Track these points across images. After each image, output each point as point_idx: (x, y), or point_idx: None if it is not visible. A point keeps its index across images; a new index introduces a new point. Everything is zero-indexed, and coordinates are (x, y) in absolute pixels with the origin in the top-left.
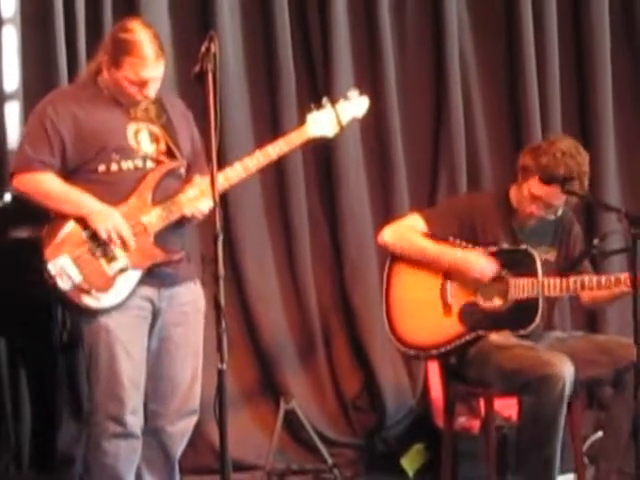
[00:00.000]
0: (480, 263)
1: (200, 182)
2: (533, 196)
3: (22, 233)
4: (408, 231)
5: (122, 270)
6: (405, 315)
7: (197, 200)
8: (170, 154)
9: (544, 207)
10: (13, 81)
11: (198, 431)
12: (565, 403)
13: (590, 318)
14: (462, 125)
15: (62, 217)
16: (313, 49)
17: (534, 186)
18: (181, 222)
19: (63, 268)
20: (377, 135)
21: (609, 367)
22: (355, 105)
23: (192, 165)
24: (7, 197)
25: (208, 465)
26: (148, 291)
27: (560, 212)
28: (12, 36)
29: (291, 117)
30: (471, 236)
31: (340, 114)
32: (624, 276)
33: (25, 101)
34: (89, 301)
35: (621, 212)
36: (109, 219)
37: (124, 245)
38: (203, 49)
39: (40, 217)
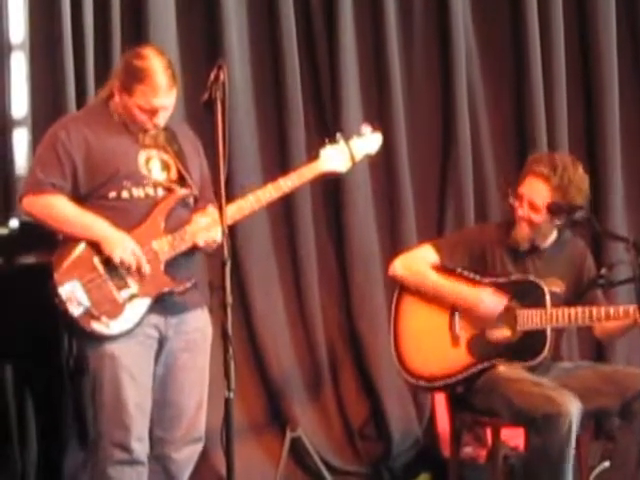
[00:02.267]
0: (490, 301)
1: (213, 212)
2: (518, 196)
3: (29, 259)
4: (419, 264)
5: (132, 297)
6: (413, 346)
7: (210, 229)
8: (180, 182)
9: (530, 209)
10: (22, 108)
11: (204, 459)
12: (573, 441)
13: (597, 348)
14: (470, 156)
15: (73, 240)
16: (322, 80)
17: (521, 185)
18: (191, 251)
19: (73, 293)
20: (385, 165)
21: (616, 397)
22: (368, 141)
23: (199, 196)
24: (14, 223)
25: None
26: (155, 318)
27: (552, 236)
28: (21, 63)
29: (299, 146)
30: (480, 267)
31: (353, 150)
32: (633, 308)
33: (34, 128)
34: (98, 327)
35: (629, 242)
36: (124, 244)
37: (138, 271)
38: (212, 77)
39: (47, 243)
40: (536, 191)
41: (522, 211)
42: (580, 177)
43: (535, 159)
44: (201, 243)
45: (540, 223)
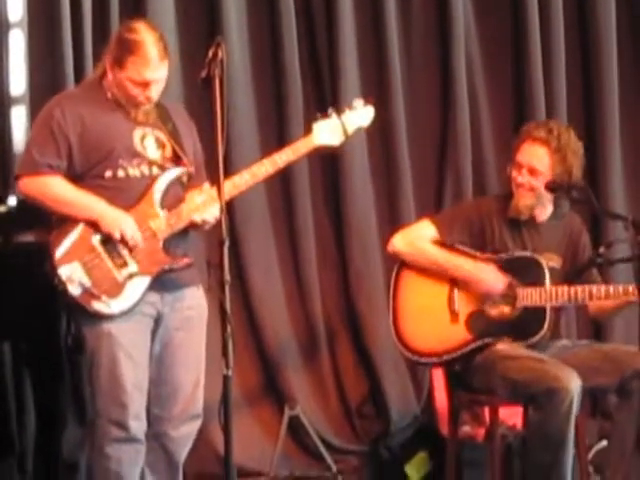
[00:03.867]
0: (491, 278)
1: (209, 189)
2: (516, 164)
3: (27, 237)
4: (419, 239)
5: (132, 276)
6: (412, 322)
7: (207, 206)
8: (175, 160)
9: (529, 175)
10: (20, 85)
11: (202, 437)
12: (573, 418)
13: (596, 327)
14: (468, 131)
15: (70, 221)
16: (320, 56)
17: (517, 153)
18: (186, 229)
19: (73, 273)
20: (383, 141)
21: (614, 375)
22: (360, 115)
23: (192, 174)
24: (12, 201)
25: (212, 471)
26: (151, 296)
27: (549, 210)
28: (19, 40)
29: (297, 124)
30: (480, 242)
31: (346, 124)
32: (632, 287)
33: (32, 105)
34: (99, 306)
35: (627, 220)
36: (122, 222)
37: (135, 250)
38: (210, 54)
39: (45, 221)
40: (535, 156)
41: (522, 179)
42: (575, 141)
43: (530, 126)
44: (198, 220)
45: (540, 188)
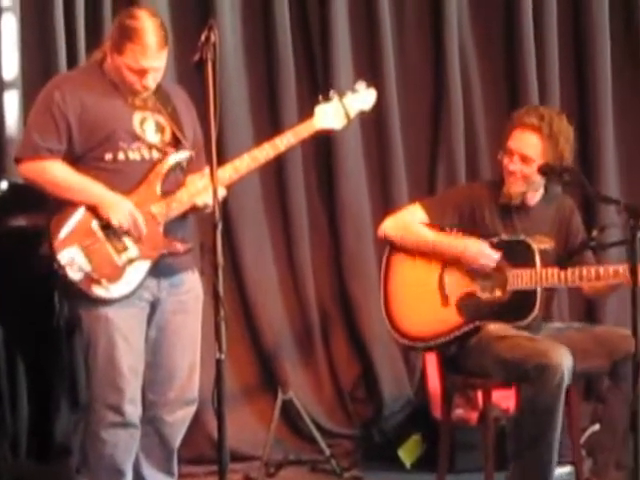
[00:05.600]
0: (483, 252)
1: (192, 181)
2: (507, 150)
3: (19, 221)
4: (409, 222)
5: (131, 260)
6: (403, 306)
7: (209, 190)
8: (175, 144)
9: (521, 162)
10: (12, 69)
11: (196, 421)
12: (563, 393)
13: (589, 309)
14: (461, 116)
15: (71, 206)
16: (313, 40)
17: (509, 140)
18: (187, 213)
19: (73, 258)
20: (376, 126)
21: (606, 358)
22: (362, 98)
23: (193, 158)
24: (3, 184)
25: (205, 455)
26: (149, 281)
27: (540, 192)
28: (11, 24)
29: (290, 108)
30: (470, 226)
31: (347, 106)
32: (622, 268)
33: (24, 89)
34: (99, 291)
35: (620, 204)
36: (122, 208)
37: (137, 234)
38: (203, 38)
39: (37, 205)
40: (527, 143)
41: (513, 166)
42: (566, 127)
43: (520, 113)
44: (200, 204)
45: (532, 176)
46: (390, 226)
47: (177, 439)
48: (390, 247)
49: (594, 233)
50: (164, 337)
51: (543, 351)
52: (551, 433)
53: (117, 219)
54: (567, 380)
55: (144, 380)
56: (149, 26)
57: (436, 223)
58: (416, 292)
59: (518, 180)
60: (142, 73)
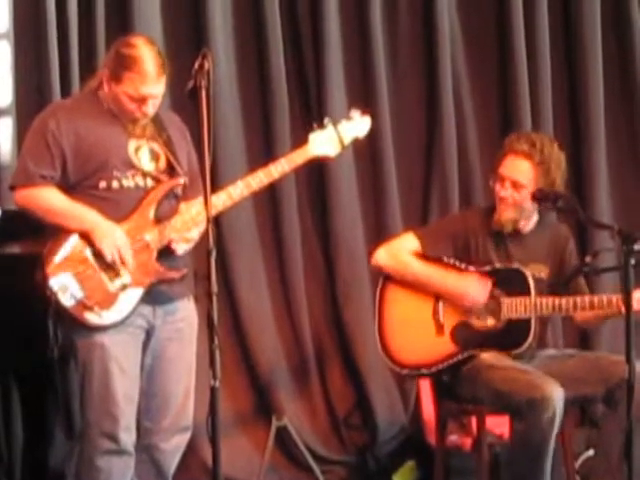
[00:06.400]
0: (474, 290)
1: (187, 209)
2: (499, 177)
3: (13, 248)
4: (402, 253)
5: (124, 287)
6: (397, 334)
7: (184, 229)
8: (169, 172)
9: (513, 188)
10: (6, 96)
11: (190, 448)
12: (555, 430)
13: (582, 336)
14: (455, 144)
15: (64, 232)
16: (306, 68)
17: (500, 166)
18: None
19: (65, 284)
20: (370, 154)
21: (600, 385)
22: (357, 125)
23: (188, 185)
24: None
25: None
26: (143, 308)
27: (534, 219)
28: (5, 51)
29: (283, 134)
30: (464, 255)
31: (342, 134)
32: (616, 297)
33: (18, 116)
34: (91, 317)
35: (613, 229)
36: (113, 236)
37: (124, 264)
38: (196, 66)
39: (31, 232)
40: (518, 169)
41: (505, 192)
42: (557, 154)
43: (512, 139)
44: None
45: (523, 202)
46: (383, 256)
47: (172, 466)
48: (384, 276)
49: (588, 258)
50: (159, 365)
51: (534, 385)
52: (542, 470)
53: (107, 247)
54: (559, 415)
55: (139, 407)
56: (147, 53)
57: (429, 252)
58: (410, 320)
59: (510, 206)
60: (142, 101)
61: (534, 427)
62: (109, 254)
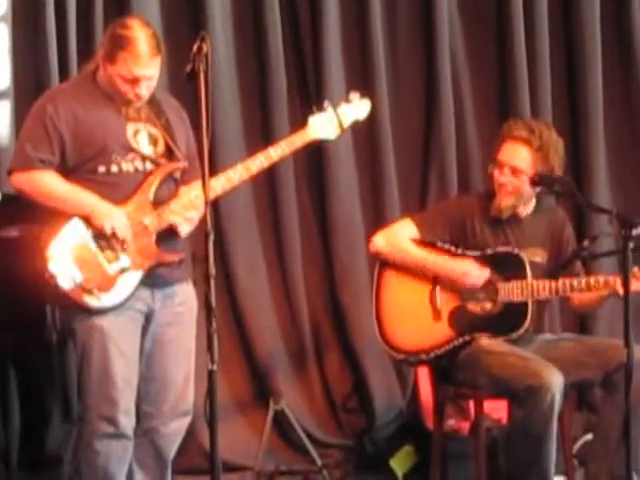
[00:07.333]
0: (471, 272)
1: (186, 192)
2: (498, 163)
3: (11, 232)
4: (400, 239)
5: (123, 270)
6: (395, 320)
7: (183, 212)
8: (168, 155)
9: (511, 174)
10: (4, 79)
11: (188, 432)
12: (555, 416)
13: (580, 320)
14: (453, 129)
15: (63, 216)
16: (304, 51)
17: (499, 152)
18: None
19: (64, 267)
20: (368, 138)
21: (598, 369)
22: (356, 108)
23: (187, 168)
24: None
25: (198, 466)
26: (142, 292)
27: (532, 204)
28: (3, 34)
29: (281, 119)
30: (461, 240)
31: (341, 117)
32: (613, 278)
33: (16, 100)
34: (90, 300)
35: (612, 213)
36: (113, 217)
37: (124, 244)
38: (195, 49)
39: (29, 216)
40: (517, 155)
41: (504, 178)
42: (556, 139)
43: (510, 125)
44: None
45: (522, 188)
46: (380, 242)
47: (172, 450)
48: (381, 262)
49: (585, 243)
50: (159, 349)
51: (533, 372)
52: (545, 460)
53: (110, 228)
54: (558, 402)
55: (139, 392)
56: (141, 35)
57: (427, 238)
58: (408, 306)
59: (509, 193)
60: (135, 82)
61: (533, 414)
62: (109, 229)
